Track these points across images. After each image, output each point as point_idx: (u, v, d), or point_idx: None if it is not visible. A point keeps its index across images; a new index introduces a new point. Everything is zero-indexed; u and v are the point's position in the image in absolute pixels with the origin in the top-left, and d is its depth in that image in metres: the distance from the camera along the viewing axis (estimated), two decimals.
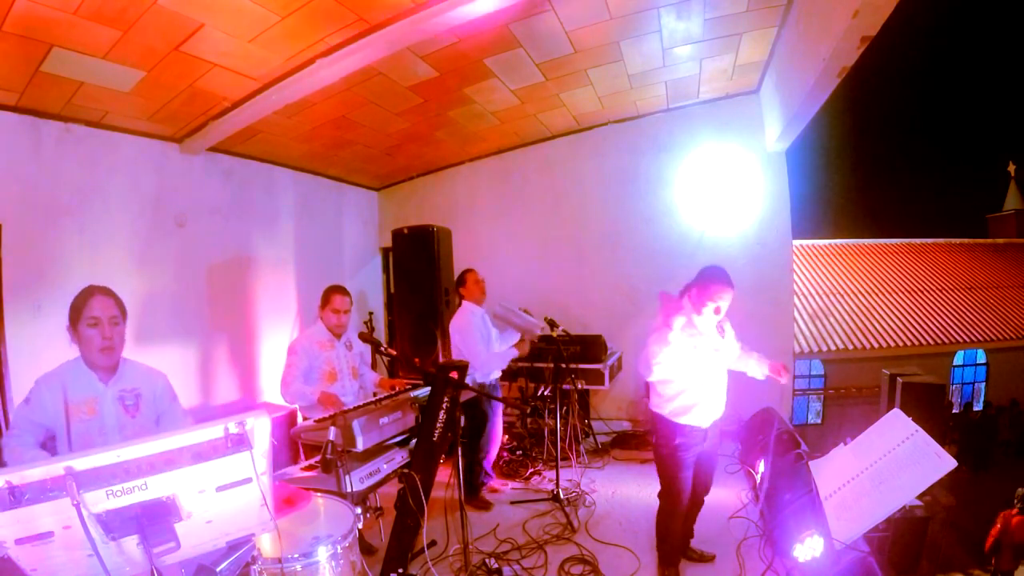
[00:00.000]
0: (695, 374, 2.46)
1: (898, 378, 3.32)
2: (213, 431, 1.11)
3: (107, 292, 1.87)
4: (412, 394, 2.68)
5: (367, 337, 2.76)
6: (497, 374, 3.74)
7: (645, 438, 4.43)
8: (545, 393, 4.48)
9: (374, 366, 3.74)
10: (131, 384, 1.89)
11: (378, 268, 6.35)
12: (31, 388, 1.80)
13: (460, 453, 2.63)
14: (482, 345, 3.50)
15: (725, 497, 3.33)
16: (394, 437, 2.44)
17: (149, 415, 1.91)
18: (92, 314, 1.80)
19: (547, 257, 5.52)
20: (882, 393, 3.61)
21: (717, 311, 2.42)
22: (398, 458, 2.46)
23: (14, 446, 1.73)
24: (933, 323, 11.76)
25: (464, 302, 3.70)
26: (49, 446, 1.81)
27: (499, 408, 3.75)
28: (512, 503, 3.58)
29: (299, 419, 3.32)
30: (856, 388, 10.90)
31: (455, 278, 3.89)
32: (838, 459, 2.65)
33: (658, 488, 2.64)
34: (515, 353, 3.62)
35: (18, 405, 1.79)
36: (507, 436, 4.46)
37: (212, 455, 1.10)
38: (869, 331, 11.38)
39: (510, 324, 3.54)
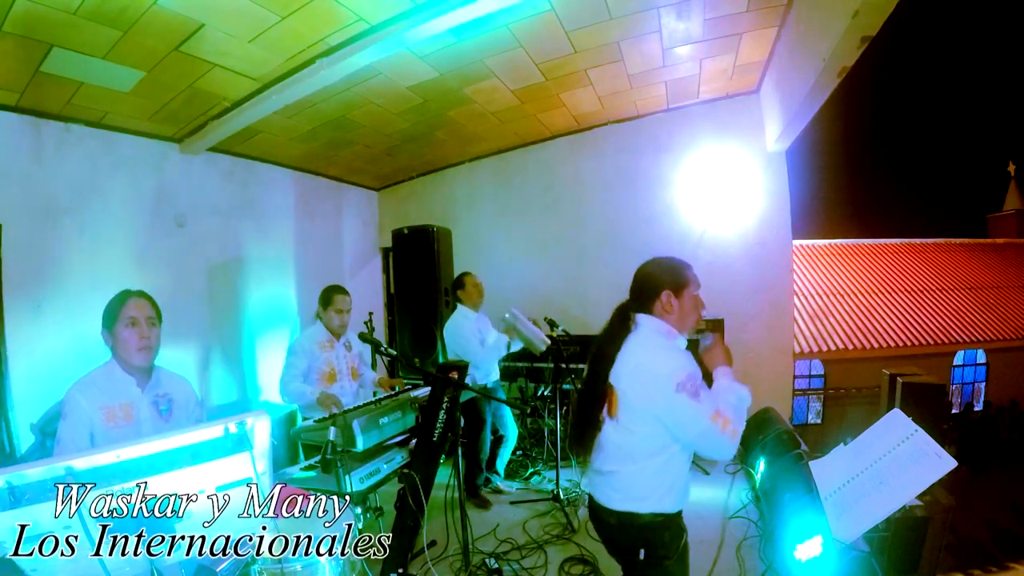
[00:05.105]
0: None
1: (898, 378, 3.31)
2: (213, 431, 1.11)
3: (143, 294, 1.88)
4: (412, 394, 2.68)
5: (367, 337, 2.76)
6: (496, 375, 3.73)
7: None
8: (545, 393, 4.48)
9: (373, 366, 3.74)
10: (164, 390, 1.89)
11: (378, 268, 6.35)
12: (66, 400, 1.75)
13: (460, 453, 2.63)
14: (477, 345, 3.48)
15: (725, 497, 3.33)
16: (394, 437, 2.45)
17: (181, 420, 1.91)
18: (130, 314, 1.79)
19: (547, 257, 5.52)
20: (882, 393, 3.61)
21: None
22: (398, 458, 2.46)
23: None
24: (933, 323, 11.77)
25: (459, 306, 3.68)
26: None
27: (506, 409, 3.73)
28: (512, 503, 3.58)
29: (299, 419, 3.32)
30: (856, 388, 10.90)
31: (453, 280, 3.84)
32: (838, 459, 2.65)
33: None
34: (505, 338, 3.43)
35: (59, 425, 1.73)
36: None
37: (212, 455, 1.10)
38: (869, 331, 11.38)
39: (516, 333, 3.50)
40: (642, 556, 1.54)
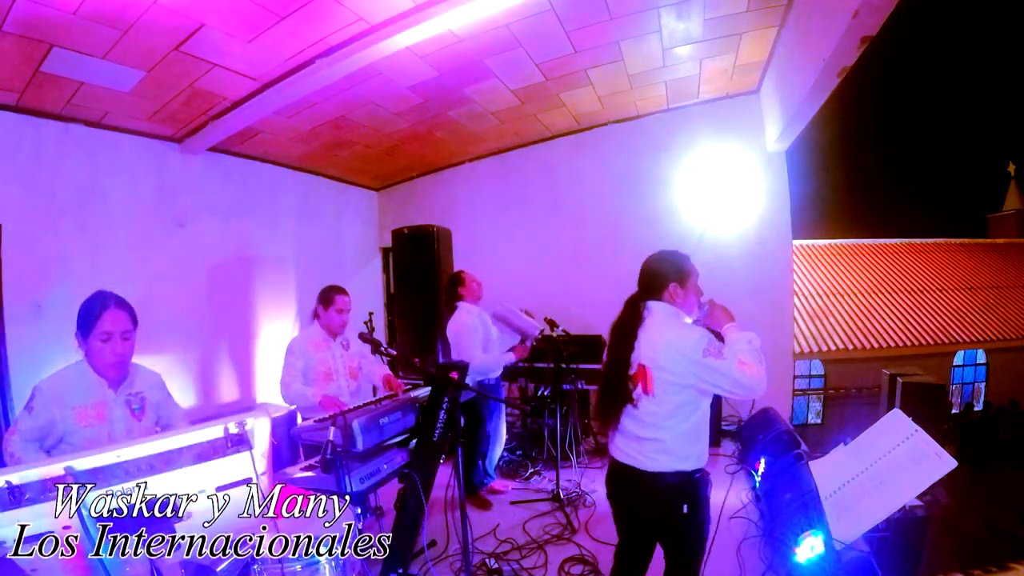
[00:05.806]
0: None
1: (898, 378, 3.31)
2: (213, 431, 1.11)
3: (121, 303, 1.80)
4: (412, 394, 2.68)
5: (367, 337, 2.76)
6: (497, 373, 3.73)
7: None
8: (545, 393, 4.48)
9: None
10: (137, 388, 1.89)
11: (378, 268, 6.35)
12: (32, 395, 1.74)
13: (460, 453, 2.63)
14: (478, 348, 3.47)
15: (725, 497, 3.33)
16: (394, 437, 2.44)
17: (152, 417, 1.92)
18: (105, 329, 1.74)
19: (547, 257, 5.52)
20: (882, 393, 3.61)
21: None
22: (398, 458, 2.46)
23: (18, 453, 1.68)
24: (933, 323, 11.77)
25: (460, 303, 3.66)
26: (55, 452, 1.76)
27: (499, 409, 3.73)
28: (512, 503, 3.57)
29: (299, 419, 3.32)
30: (856, 388, 10.90)
31: (447, 282, 3.80)
32: (838, 459, 2.65)
33: None
34: (511, 358, 3.52)
35: (20, 412, 1.73)
36: (507, 436, 4.45)
37: (212, 455, 1.10)
38: (869, 331, 11.38)
39: (509, 325, 3.53)
40: (685, 509, 1.75)
